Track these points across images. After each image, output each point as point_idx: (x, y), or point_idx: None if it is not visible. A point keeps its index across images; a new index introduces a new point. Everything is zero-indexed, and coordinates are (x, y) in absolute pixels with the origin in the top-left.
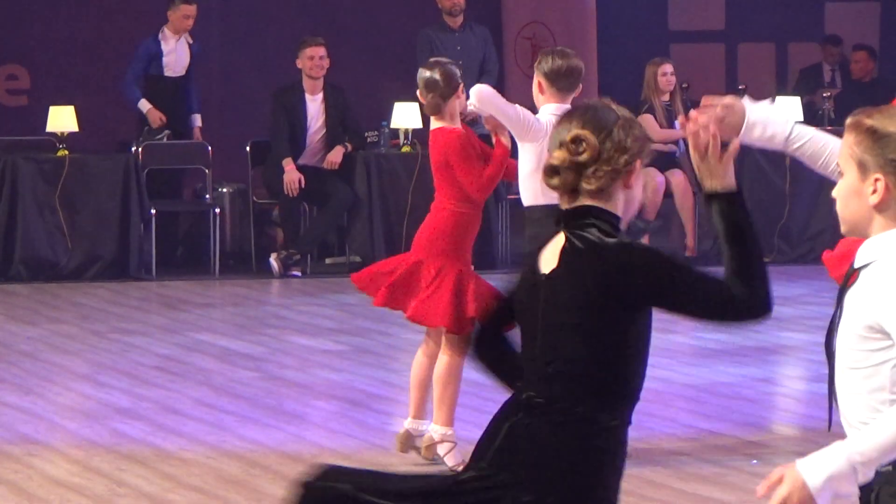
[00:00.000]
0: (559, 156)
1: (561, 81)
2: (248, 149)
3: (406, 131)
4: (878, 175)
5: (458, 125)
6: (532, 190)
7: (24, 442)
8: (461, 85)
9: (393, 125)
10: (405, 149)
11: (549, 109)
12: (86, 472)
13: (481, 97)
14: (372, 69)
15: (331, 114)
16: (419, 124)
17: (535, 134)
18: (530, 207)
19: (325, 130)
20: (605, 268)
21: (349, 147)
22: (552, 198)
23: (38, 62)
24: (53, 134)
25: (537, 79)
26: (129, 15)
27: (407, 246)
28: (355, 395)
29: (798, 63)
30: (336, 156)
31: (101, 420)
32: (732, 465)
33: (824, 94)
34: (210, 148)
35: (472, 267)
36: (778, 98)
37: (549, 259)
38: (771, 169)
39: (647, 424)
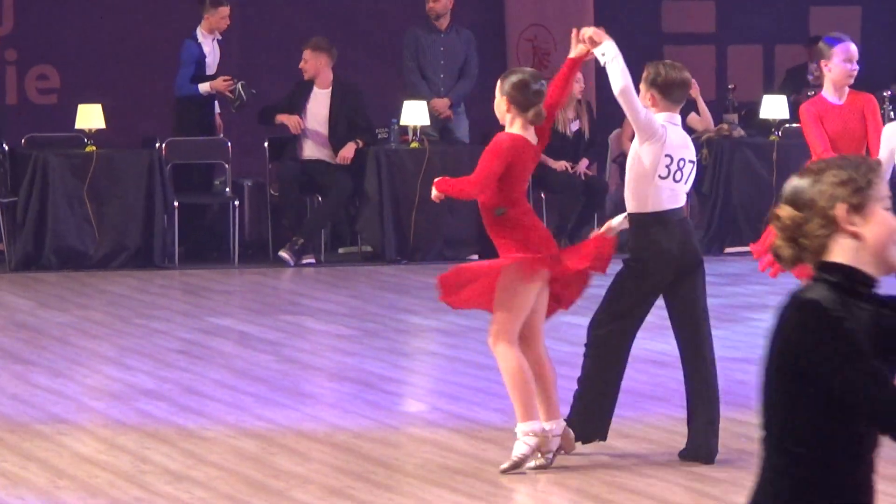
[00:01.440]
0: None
1: (675, 93)
2: (265, 145)
3: (415, 128)
4: None
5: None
6: (642, 196)
7: (54, 421)
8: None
9: (402, 122)
10: (414, 144)
11: (661, 118)
12: (112, 449)
13: (624, 91)
14: (382, 68)
15: (336, 108)
16: (427, 121)
17: (658, 138)
18: (639, 214)
19: (328, 124)
20: None
21: (360, 143)
22: (660, 205)
23: (67, 62)
24: (82, 131)
25: (648, 91)
26: (155, 16)
27: (416, 236)
28: (367, 377)
29: (784, 64)
30: (348, 151)
31: (127, 401)
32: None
33: (809, 93)
34: (230, 144)
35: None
36: (765, 97)
37: None
38: (759, 163)
39: (645, 406)
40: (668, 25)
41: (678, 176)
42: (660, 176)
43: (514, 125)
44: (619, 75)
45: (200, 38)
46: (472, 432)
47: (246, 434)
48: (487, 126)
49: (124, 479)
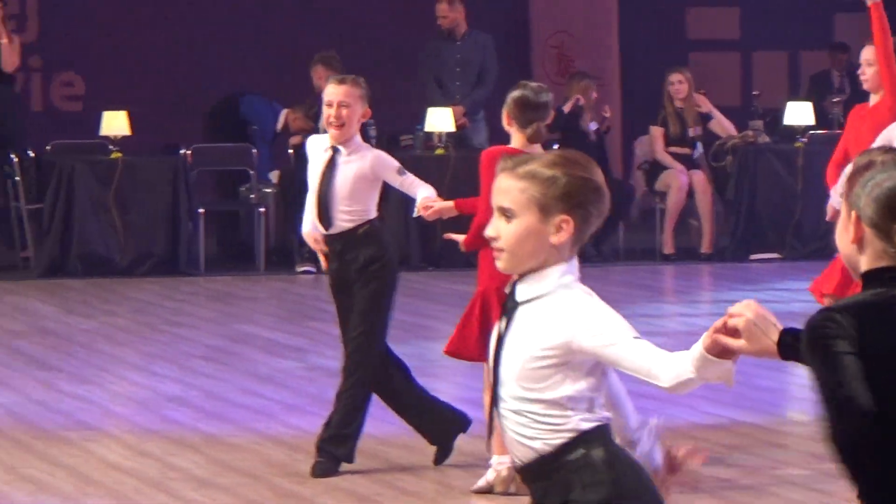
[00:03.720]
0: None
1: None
2: (290, 151)
3: (440, 134)
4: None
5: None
6: None
7: (80, 428)
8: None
9: (427, 129)
10: (439, 151)
11: None
12: (138, 456)
13: None
14: (406, 75)
15: None
16: (452, 128)
17: None
18: None
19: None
20: None
21: None
22: None
23: (92, 70)
24: (107, 137)
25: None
26: (179, 22)
27: (441, 243)
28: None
29: (809, 70)
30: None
31: (153, 407)
32: (752, 451)
33: (834, 100)
34: (255, 150)
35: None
36: (790, 103)
37: None
38: (784, 169)
39: (669, 411)
40: (693, 32)
41: None
42: None
43: (513, 140)
44: None
45: None
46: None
47: (272, 441)
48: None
49: (150, 486)
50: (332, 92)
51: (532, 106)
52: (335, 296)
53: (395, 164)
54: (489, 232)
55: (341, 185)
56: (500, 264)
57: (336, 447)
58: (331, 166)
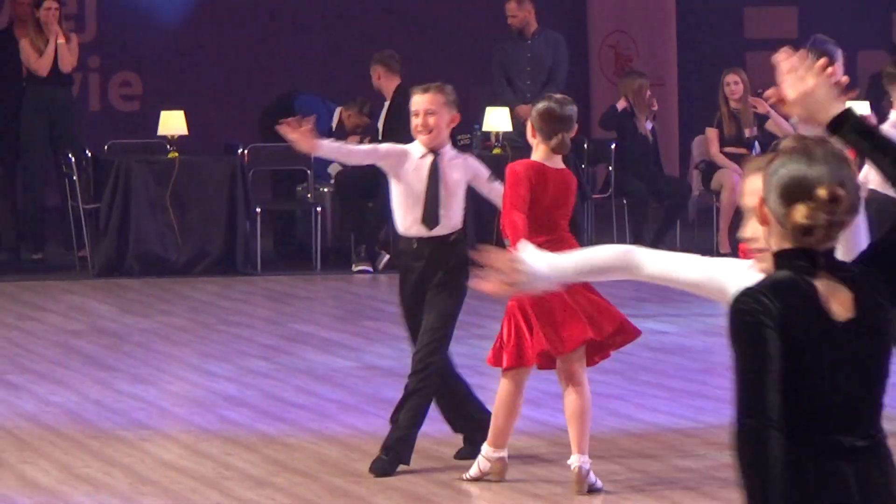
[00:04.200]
0: (819, 216)
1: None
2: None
3: (497, 134)
4: None
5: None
6: None
7: (137, 428)
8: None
9: (485, 128)
10: (496, 151)
11: None
12: (194, 455)
13: None
14: (463, 75)
15: (390, 116)
16: (510, 127)
17: None
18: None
19: (381, 133)
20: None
21: None
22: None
23: (149, 69)
24: (164, 137)
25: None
26: (234, 25)
27: (497, 242)
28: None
29: (867, 69)
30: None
31: (210, 407)
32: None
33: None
34: None
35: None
36: (847, 103)
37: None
38: None
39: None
40: (751, 31)
41: None
42: None
43: (537, 151)
44: None
45: None
46: (555, 438)
47: (328, 440)
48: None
49: (207, 486)
50: (418, 101)
51: (557, 118)
52: (409, 296)
53: (488, 171)
54: (746, 234)
55: (445, 189)
56: (761, 265)
57: (403, 448)
58: (434, 170)
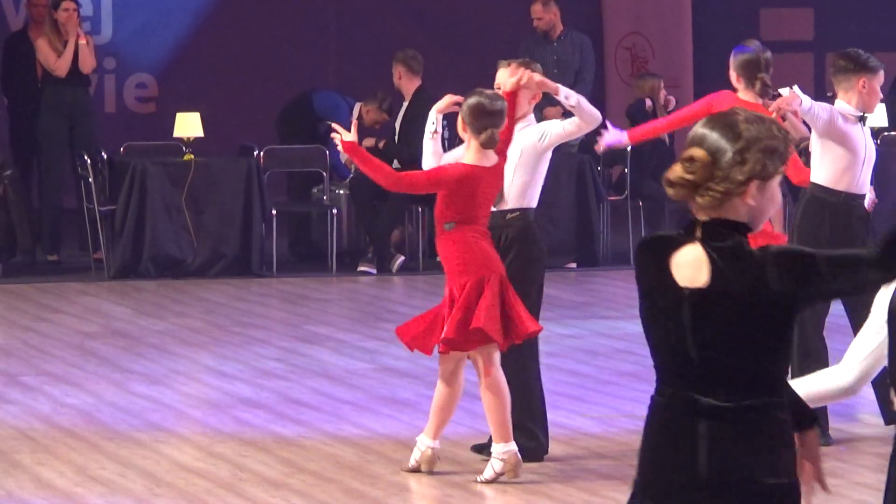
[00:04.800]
0: (675, 171)
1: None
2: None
3: None
4: None
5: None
6: None
7: (152, 429)
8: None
9: None
10: None
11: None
12: (210, 457)
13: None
14: (490, 78)
15: (405, 118)
16: None
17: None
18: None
19: (397, 133)
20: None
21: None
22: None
23: (165, 71)
24: (180, 139)
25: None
26: (250, 26)
27: None
28: (465, 386)
29: (885, 72)
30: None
31: (225, 409)
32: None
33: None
34: (327, 152)
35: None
36: None
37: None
38: None
39: None
40: (767, 33)
41: None
42: None
43: (469, 147)
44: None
45: None
46: (570, 440)
47: (343, 442)
48: (597, 131)
49: (222, 487)
50: (501, 75)
51: (487, 113)
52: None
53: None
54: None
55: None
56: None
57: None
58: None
